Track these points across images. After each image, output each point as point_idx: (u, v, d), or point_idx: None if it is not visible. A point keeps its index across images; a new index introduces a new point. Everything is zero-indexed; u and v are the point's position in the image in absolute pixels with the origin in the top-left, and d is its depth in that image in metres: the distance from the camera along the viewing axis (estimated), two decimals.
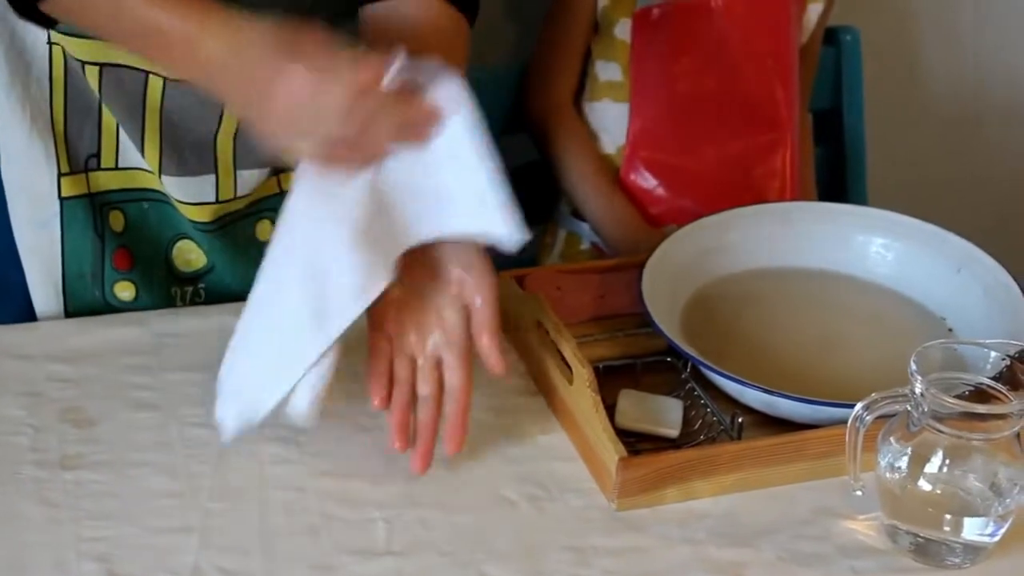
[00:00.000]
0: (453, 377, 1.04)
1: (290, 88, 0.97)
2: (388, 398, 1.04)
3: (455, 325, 1.04)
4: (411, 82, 1.01)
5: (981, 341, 1.04)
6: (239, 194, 1.25)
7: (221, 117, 1.21)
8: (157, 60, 1.04)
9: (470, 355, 1.05)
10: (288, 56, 0.97)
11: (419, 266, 1.05)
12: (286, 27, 0.99)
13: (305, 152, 1.01)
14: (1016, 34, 2.16)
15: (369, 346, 1.06)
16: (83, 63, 1.17)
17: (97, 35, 1.09)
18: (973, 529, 0.98)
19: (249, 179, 1.24)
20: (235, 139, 1.22)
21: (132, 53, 1.08)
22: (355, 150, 1.00)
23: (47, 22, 1.02)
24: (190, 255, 1.28)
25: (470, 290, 1.04)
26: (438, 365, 1.05)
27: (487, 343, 1.04)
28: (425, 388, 1.05)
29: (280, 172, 1.28)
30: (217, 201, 1.24)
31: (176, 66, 1.04)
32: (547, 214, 1.76)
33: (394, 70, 0.99)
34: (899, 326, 1.25)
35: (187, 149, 1.21)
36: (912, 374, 0.97)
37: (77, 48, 1.16)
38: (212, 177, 1.23)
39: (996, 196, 2.23)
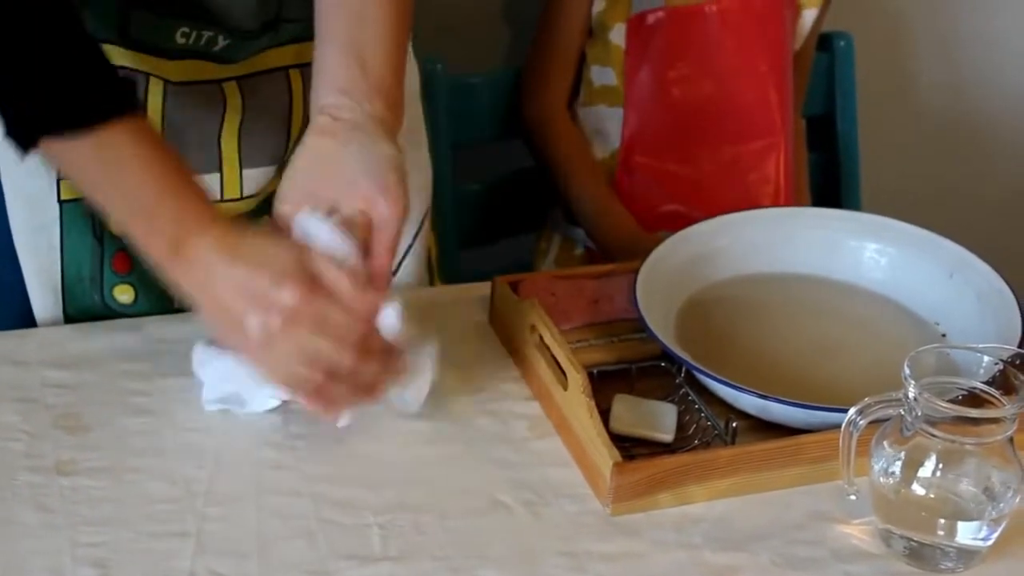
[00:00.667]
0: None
1: (302, 310, 0.99)
2: None
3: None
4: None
5: (974, 346, 1.04)
6: (245, 194, 1.24)
7: (223, 116, 1.21)
8: (138, 236, 1.03)
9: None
10: (295, 268, 1.00)
11: (326, 163, 1.05)
12: (291, 245, 1.01)
13: (276, 371, 1.03)
14: (1009, 40, 2.17)
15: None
16: None
17: (83, 191, 1.09)
18: (967, 533, 0.98)
19: (255, 178, 1.24)
20: (239, 137, 1.22)
21: (112, 217, 1.08)
22: (326, 386, 1.02)
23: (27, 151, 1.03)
24: None
25: (380, 210, 1.04)
26: None
27: (378, 262, 1.03)
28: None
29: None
30: (222, 200, 1.24)
31: (154, 250, 1.03)
32: (541, 219, 1.77)
33: (389, 323, 1.03)
34: (892, 331, 1.25)
35: (190, 149, 1.21)
36: (905, 378, 0.97)
37: None
38: (217, 176, 1.23)
39: (989, 201, 2.24)
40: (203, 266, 1.01)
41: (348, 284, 1.01)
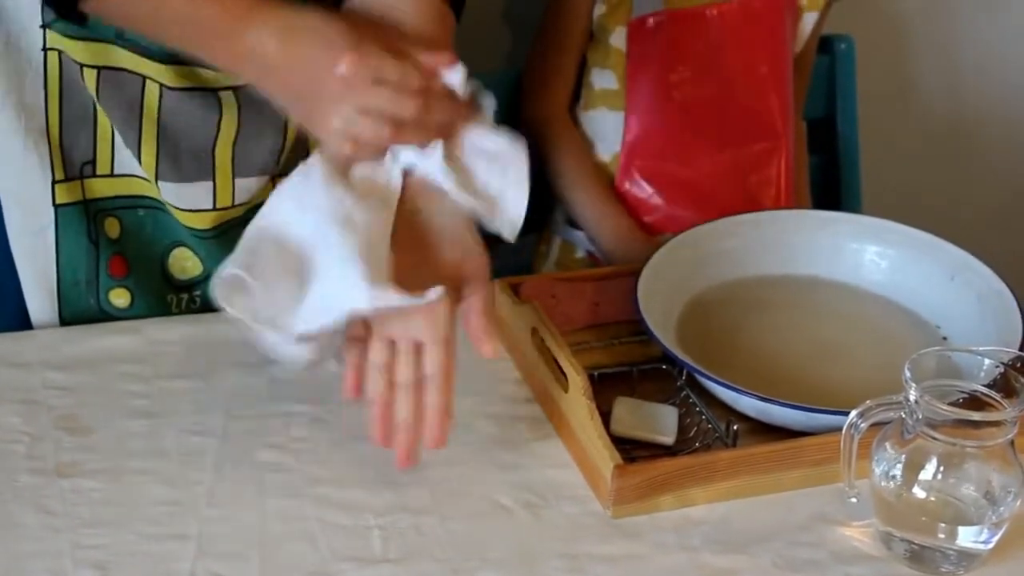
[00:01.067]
0: (433, 363, 1.00)
1: (360, 65, 1.00)
2: (359, 387, 1.03)
3: (441, 309, 1.01)
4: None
5: (975, 348, 1.04)
6: (237, 202, 1.24)
7: (219, 125, 1.21)
8: (200, 52, 1.06)
9: (453, 341, 1.01)
10: (346, 41, 1.01)
11: (408, 250, 1.04)
12: (337, 18, 1.03)
13: (352, 133, 1.03)
14: (1009, 42, 2.16)
15: (345, 334, 1.04)
16: (81, 66, 1.17)
17: (137, 30, 1.11)
18: (967, 536, 0.98)
19: (247, 187, 1.24)
20: (234, 147, 1.22)
21: (172, 44, 1.09)
22: (396, 137, 1.03)
23: (82, 19, 1.05)
24: (186, 262, 1.28)
25: (465, 274, 1.05)
26: (418, 350, 1.01)
27: (477, 324, 1.02)
28: (406, 373, 1.01)
29: (277, 177, 1.28)
30: (214, 208, 1.24)
31: (220, 57, 1.06)
32: (542, 222, 1.76)
33: (457, 74, 1.05)
34: (893, 334, 1.25)
35: (184, 155, 1.21)
36: (906, 381, 0.97)
37: (76, 51, 1.16)
38: (209, 184, 1.23)
39: (989, 203, 2.24)
40: (262, 57, 1.02)
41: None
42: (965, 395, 0.99)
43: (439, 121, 1.05)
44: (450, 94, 1.06)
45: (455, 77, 1.06)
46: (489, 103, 1.10)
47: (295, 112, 1.06)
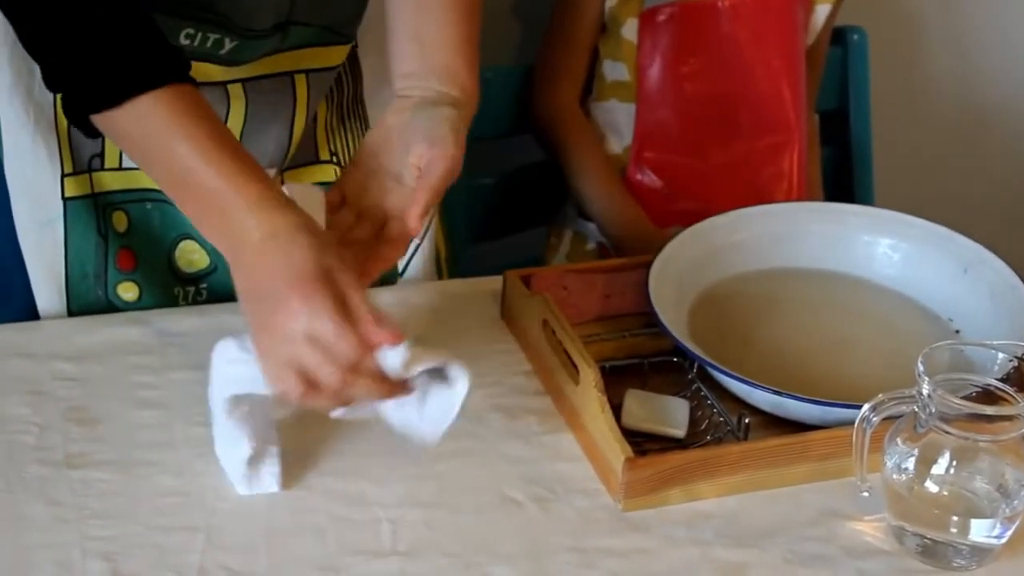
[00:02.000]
0: (392, 228, 1.07)
1: (302, 315, 0.94)
2: None
3: (405, 191, 1.07)
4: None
5: (988, 342, 1.04)
6: None
7: (227, 118, 1.21)
8: (187, 211, 1.02)
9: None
10: (308, 272, 0.95)
11: (389, 148, 1.09)
12: (328, 252, 0.97)
13: (271, 375, 0.97)
14: (1021, 33, 2.16)
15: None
16: None
17: (140, 165, 1.08)
18: (980, 531, 0.98)
19: None
20: (240, 140, 1.21)
21: (166, 194, 1.06)
22: (307, 395, 0.96)
23: (94, 133, 1.02)
24: (193, 255, 1.28)
25: (429, 161, 1.06)
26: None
27: (411, 223, 1.06)
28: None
29: (285, 171, 1.28)
30: None
31: (205, 227, 1.01)
32: (553, 214, 1.76)
33: (397, 355, 0.96)
34: (906, 327, 1.24)
35: None
36: (919, 375, 0.96)
37: None
38: None
39: (1003, 196, 2.23)
40: (234, 245, 0.99)
41: (360, 306, 0.97)
42: (978, 389, 0.98)
43: (359, 396, 0.98)
44: (378, 375, 0.97)
45: (394, 358, 0.96)
46: (459, 391, 0.99)
47: (253, 311, 0.99)
